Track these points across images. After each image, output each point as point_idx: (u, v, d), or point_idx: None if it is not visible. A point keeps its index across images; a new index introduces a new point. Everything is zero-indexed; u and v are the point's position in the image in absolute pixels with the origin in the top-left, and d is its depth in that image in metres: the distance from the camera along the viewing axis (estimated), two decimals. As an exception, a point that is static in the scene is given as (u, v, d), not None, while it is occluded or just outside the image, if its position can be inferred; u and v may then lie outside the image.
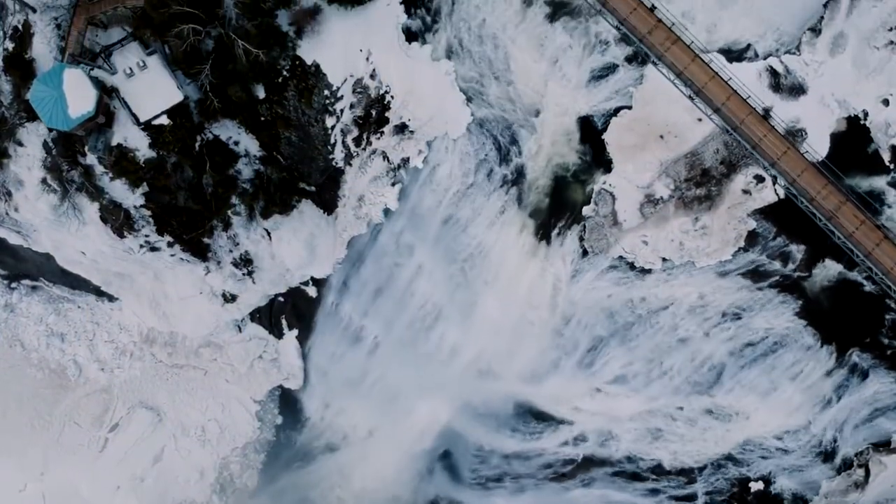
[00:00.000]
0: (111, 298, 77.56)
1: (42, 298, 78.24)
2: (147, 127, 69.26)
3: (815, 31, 67.70)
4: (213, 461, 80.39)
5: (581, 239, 73.19)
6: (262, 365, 78.56)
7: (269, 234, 75.32)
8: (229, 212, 73.87)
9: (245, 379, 79.13)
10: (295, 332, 78.24)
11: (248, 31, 65.95)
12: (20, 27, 69.25)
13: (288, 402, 79.64)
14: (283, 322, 78.15)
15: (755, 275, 71.40)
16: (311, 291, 77.14)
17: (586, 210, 72.63)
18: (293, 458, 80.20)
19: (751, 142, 60.79)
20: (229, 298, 76.99)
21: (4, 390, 79.97)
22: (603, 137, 71.48)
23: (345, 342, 77.88)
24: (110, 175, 71.00)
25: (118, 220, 73.37)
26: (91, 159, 70.72)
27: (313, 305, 77.65)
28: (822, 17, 67.59)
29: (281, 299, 77.62)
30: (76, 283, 77.42)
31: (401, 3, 70.24)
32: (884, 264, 59.60)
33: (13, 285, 78.20)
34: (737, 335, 72.19)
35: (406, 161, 73.09)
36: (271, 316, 78.35)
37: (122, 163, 70.22)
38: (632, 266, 72.73)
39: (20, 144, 71.98)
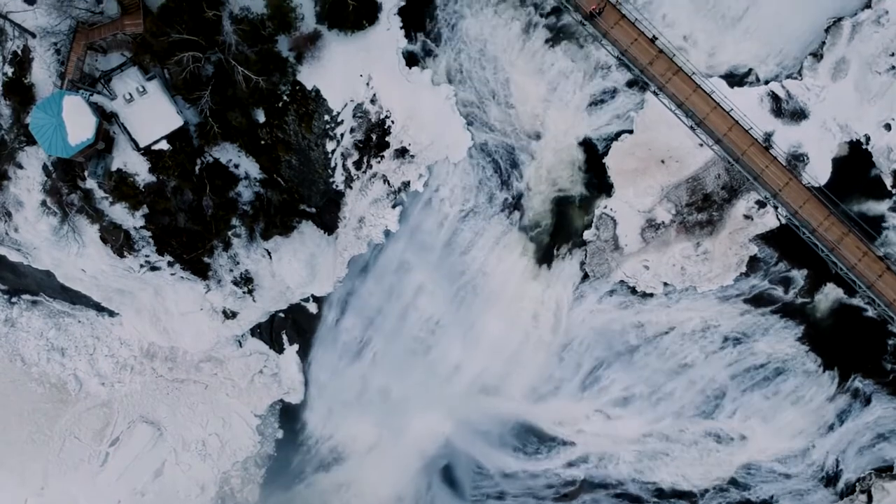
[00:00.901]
0: (111, 313, 77.48)
1: (42, 313, 78.09)
2: (147, 152, 69.20)
3: (817, 55, 67.58)
4: (214, 475, 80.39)
5: (582, 263, 72.88)
6: (263, 379, 78.43)
7: (269, 253, 75.42)
8: (229, 233, 74.14)
9: (246, 393, 79.04)
10: (295, 347, 78.17)
11: (248, 57, 65.71)
12: (19, 52, 69.01)
13: (288, 416, 79.61)
14: (284, 337, 78.03)
15: (757, 300, 71.27)
16: (312, 308, 77.02)
17: (587, 234, 72.42)
18: (294, 473, 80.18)
19: (753, 173, 60.60)
20: (230, 315, 76.93)
21: (5, 405, 79.92)
22: (604, 161, 71.23)
23: (346, 357, 77.77)
24: (110, 200, 71.48)
25: (118, 241, 73.35)
26: (91, 183, 70.93)
27: (314, 321, 77.54)
28: (823, 42, 67.43)
29: (281, 315, 77.45)
30: (76, 298, 77.29)
31: (401, 28, 69.90)
32: (886, 296, 59.41)
33: (13, 300, 78.03)
34: (739, 360, 72.04)
35: (407, 184, 72.85)
36: (272, 331, 78.27)
37: (121, 187, 70.22)
38: (633, 290, 72.57)
39: (20, 167, 71.95)
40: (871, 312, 68.78)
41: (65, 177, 70.86)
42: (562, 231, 73.51)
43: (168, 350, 78.55)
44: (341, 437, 79.34)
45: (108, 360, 79.19)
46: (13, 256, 75.35)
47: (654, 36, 61.03)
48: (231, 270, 75.36)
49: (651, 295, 72.18)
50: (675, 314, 72.14)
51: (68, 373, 78.98)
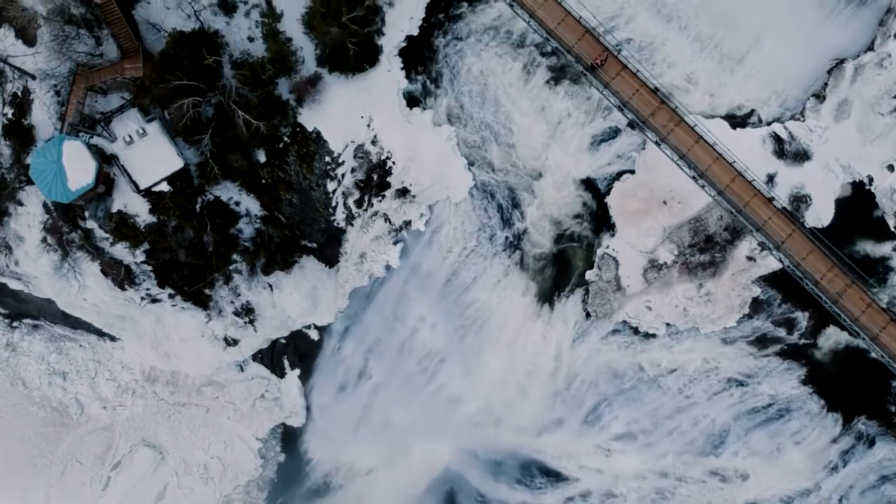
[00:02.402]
0: (112, 338, 77.33)
1: (43, 337, 77.76)
2: (147, 193, 69.16)
3: (820, 97, 67.47)
4: (216, 499, 79.78)
5: (584, 302, 72.57)
6: (265, 404, 78.14)
7: (270, 286, 75.09)
8: (230, 268, 73.87)
9: (247, 417, 78.74)
10: (297, 371, 77.85)
11: (248, 101, 65.46)
12: (19, 94, 68.96)
13: (290, 439, 79.22)
14: (285, 362, 77.79)
15: (760, 342, 70.73)
16: (313, 334, 76.71)
17: (589, 274, 72.00)
18: (295, 496, 79.78)
19: (755, 224, 60.20)
20: (231, 342, 76.69)
21: (6, 429, 79.52)
22: (606, 201, 70.99)
23: (347, 383, 77.30)
24: (111, 240, 71.42)
25: (119, 275, 73.14)
26: (91, 223, 70.88)
27: (315, 347, 77.19)
28: (826, 84, 67.29)
29: (283, 341, 77.19)
30: (77, 323, 76.95)
31: (401, 69, 69.82)
32: (890, 349, 58.83)
33: (14, 324, 77.92)
34: (741, 401, 71.60)
35: (408, 223, 72.65)
36: (273, 356, 77.98)
37: (122, 228, 70.02)
38: (636, 330, 72.12)
39: (20, 204, 71.83)
40: (874, 354, 67.63)
41: (65, 217, 70.69)
42: (564, 271, 73.12)
43: (169, 374, 78.23)
44: (343, 461, 78.93)
45: (110, 384, 78.95)
46: (14, 285, 75.21)
47: (656, 87, 60.73)
48: (232, 302, 75.19)
49: (653, 335, 71.80)
50: (677, 355, 71.68)
51: (69, 396, 78.71)
